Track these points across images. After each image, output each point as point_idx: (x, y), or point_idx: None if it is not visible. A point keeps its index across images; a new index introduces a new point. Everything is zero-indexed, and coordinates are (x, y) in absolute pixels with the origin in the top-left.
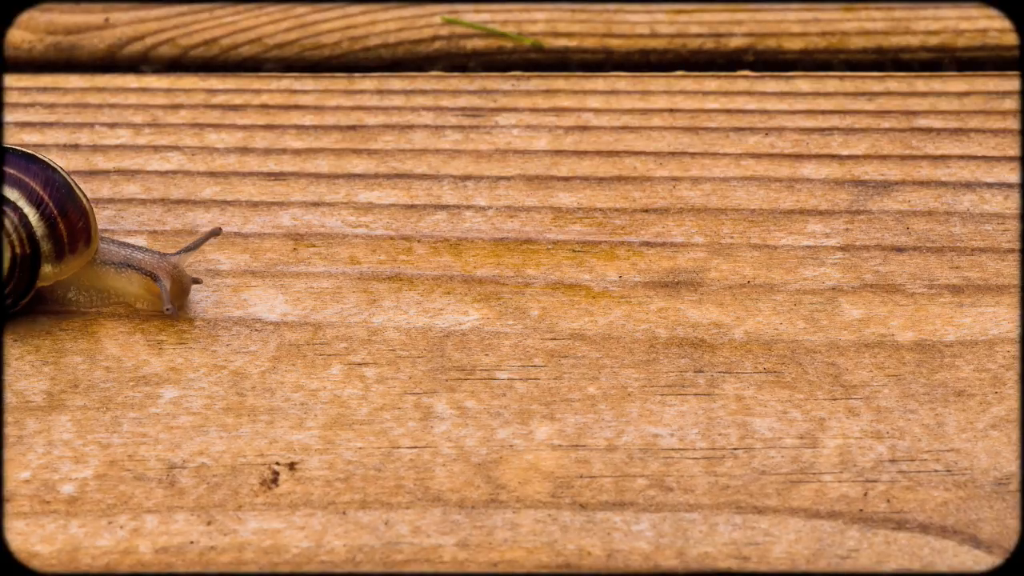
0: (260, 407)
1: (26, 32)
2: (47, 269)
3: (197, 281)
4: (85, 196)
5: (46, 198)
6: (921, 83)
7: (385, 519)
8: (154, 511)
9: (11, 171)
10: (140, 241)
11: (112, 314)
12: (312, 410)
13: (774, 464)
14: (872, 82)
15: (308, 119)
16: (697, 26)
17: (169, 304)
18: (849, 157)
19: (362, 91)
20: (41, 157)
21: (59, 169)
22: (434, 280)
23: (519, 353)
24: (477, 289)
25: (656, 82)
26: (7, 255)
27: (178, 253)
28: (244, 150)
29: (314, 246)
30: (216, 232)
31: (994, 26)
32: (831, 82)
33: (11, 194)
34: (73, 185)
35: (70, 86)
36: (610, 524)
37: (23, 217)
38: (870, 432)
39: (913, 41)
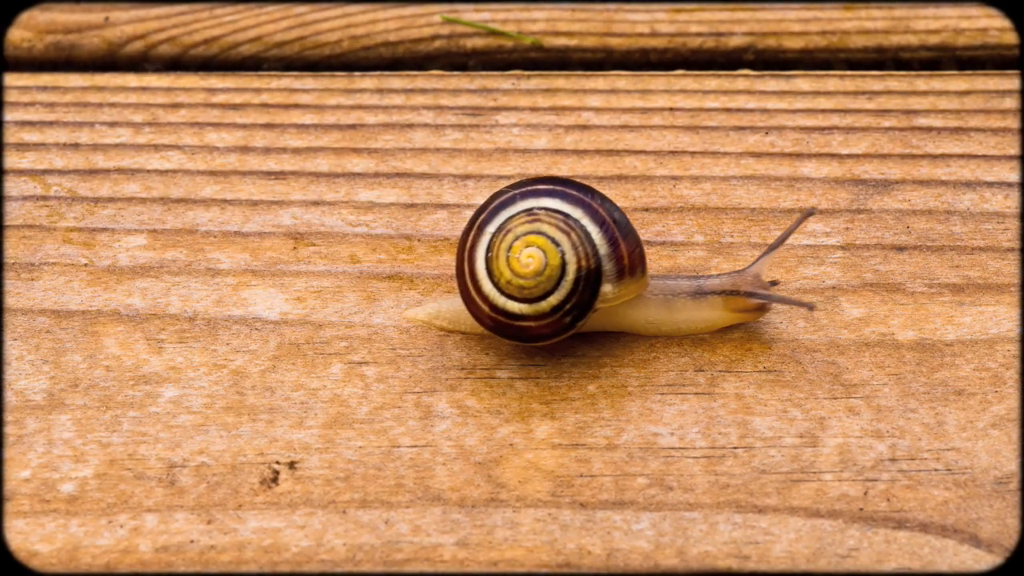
0: (260, 406)
1: (26, 31)
2: (607, 288)
3: (775, 283)
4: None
5: (608, 220)
6: (921, 82)
7: (385, 518)
8: (154, 510)
9: (573, 192)
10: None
11: (112, 313)
12: (312, 409)
13: (774, 463)
14: (872, 81)
15: (308, 118)
16: (697, 25)
17: (803, 301)
18: (849, 156)
19: (362, 90)
20: (598, 190)
21: (614, 203)
22: (434, 279)
23: (519, 352)
24: None
25: (656, 81)
26: (572, 268)
27: (757, 261)
28: (244, 149)
29: (314, 245)
30: (810, 212)
31: (994, 25)
32: (831, 81)
33: (575, 212)
34: (628, 219)
35: (70, 85)
36: (610, 523)
37: (587, 234)
38: (870, 431)
39: (913, 40)
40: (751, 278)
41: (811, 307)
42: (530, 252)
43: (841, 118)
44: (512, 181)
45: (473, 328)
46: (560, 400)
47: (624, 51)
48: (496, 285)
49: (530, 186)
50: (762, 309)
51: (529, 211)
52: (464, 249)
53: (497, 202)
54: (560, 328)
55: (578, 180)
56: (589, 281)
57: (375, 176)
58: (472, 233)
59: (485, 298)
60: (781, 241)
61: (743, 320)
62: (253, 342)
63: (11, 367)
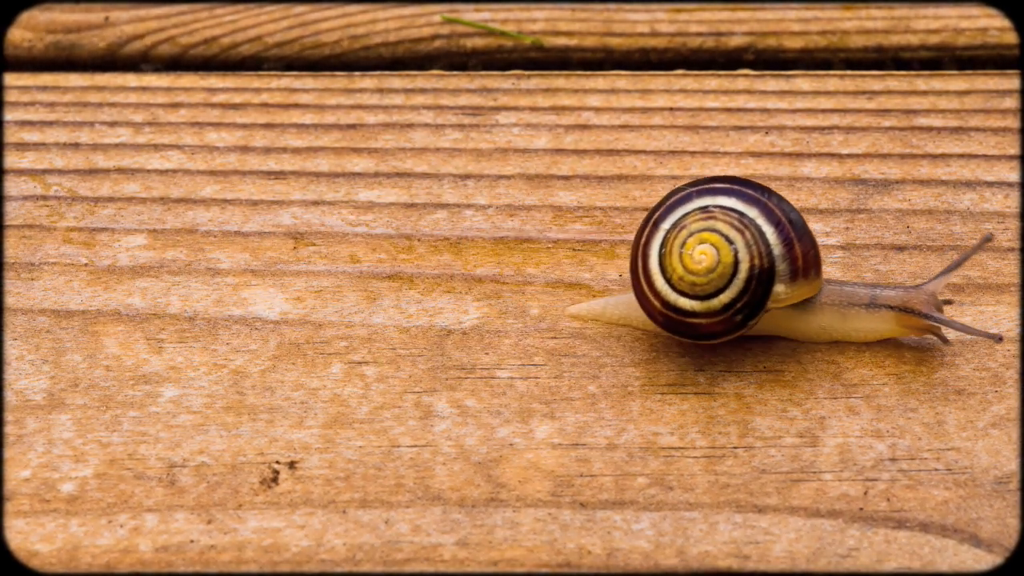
0: (260, 406)
1: (26, 31)
2: (779, 288)
3: (948, 302)
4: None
5: (784, 220)
6: (921, 82)
7: (385, 518)
8: (154, 510)
9: (749, 191)
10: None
11: (112, 313)
12: (312, 409)
13: (774, 463)
14: (872, 81)
15: (308, 118)
16: (697, 25)
17: (988, 332)
18: (849, 156)
19: (362, 90)
20: (774, 190)
21: (791, 204)
22: (434, 279)
23: (519, 352)
24: (477, 288)
25: (656, 81)
26: (745, 266)
27: (935, 279)
28: (244, 149)
29: (314, 245)
30: (988, 238)
31: (994, 25)
32: (831, 81)
33: (750, 211)
34: (804, 220)
35: (70, 85)
36: (610, 523)
37: (761, 233)
38: (870, 431)
39: (913, 40)
40: (925, 297)
41: (998, 339)
42: (703, 249)
43: (841, 118)
44: (511, 181)
45: (645, 324)
46: (560, 400)
47: (624, 51)
48: (668, 281)
49: (706, 184)
50: (931, 330)
51: (704, 208)
52: (639, 245)
53: (673, 199)
54: (731, 326)
55: (756, 180)
56: (761, 280)
57: (375, 176)
58: (647, 229)
59: (657, 293)
60: (959, 263)
61: (911, 335)
62: (253, 342)
63: (11, 367)
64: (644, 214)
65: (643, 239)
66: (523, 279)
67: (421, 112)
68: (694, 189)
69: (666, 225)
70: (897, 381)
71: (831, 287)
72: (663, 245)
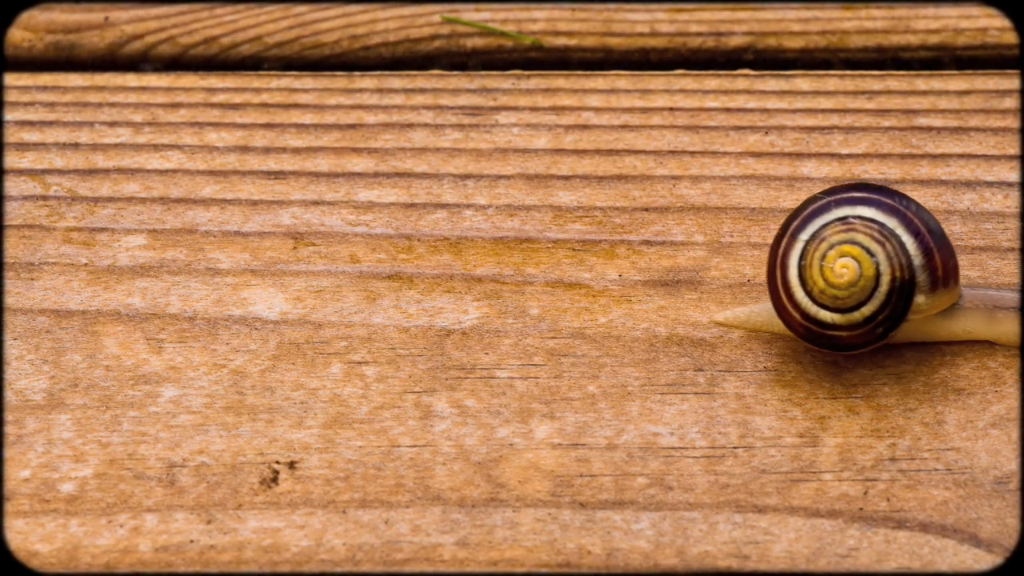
0: (260, 406)
1: (26, 31)
2: (920, 299)
3: None
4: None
5: (923, 230)
6: (921, 82)
7: (385, 518)
8: (154, 510)
9: (888, 201)
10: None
11: (112, 313)
12: (312, 409)
13: (774, 463)
14: (872, 81)
15: (308, 118)
16: (697, 25)
17: None
18: (849, 156)
19: (362, 90)
20: (912, 198)
21: (929, 212)
22: (434, 279)
23: (519, 352)
24: (477, 288)
25: (656, 81)
26: (886, 279)
27: None
28: (244, 149)
29: (314, 245)
30: None
31: (994, 25)
32: (831, 81)
33: (889, 222)
34: (942, 227)
35: (70, 85)
36: (610, 523)
37: (902, 245)
38: (870, 431)
39: (913, 40)
40: None
41: None
42: (844, 262)
43: (841, 118)
44: (511, 181)
45: (784, 332)
46: (560, 400)
47: (624, 51)
48: (809, 294)
49: (844, 193)
50: None
51: (843, 219)
52: (776, 255)
53: (811, 209)
54: (872, 338)
55: (892, 187)
56: (903, 292)
57: (375, 176)
58: (785, 240)
59: (797, 306)
60: None
61: (1010, 342)
62: (253, 342)
63: (11, 367)
64: (643, 214)
65: (781, 250)
66: (523, 279)
67: (421, 112)
68: (832, 199)
69: (805, 236)
70: (897, 381)
71: (973, 292)
72: (802, 257)
